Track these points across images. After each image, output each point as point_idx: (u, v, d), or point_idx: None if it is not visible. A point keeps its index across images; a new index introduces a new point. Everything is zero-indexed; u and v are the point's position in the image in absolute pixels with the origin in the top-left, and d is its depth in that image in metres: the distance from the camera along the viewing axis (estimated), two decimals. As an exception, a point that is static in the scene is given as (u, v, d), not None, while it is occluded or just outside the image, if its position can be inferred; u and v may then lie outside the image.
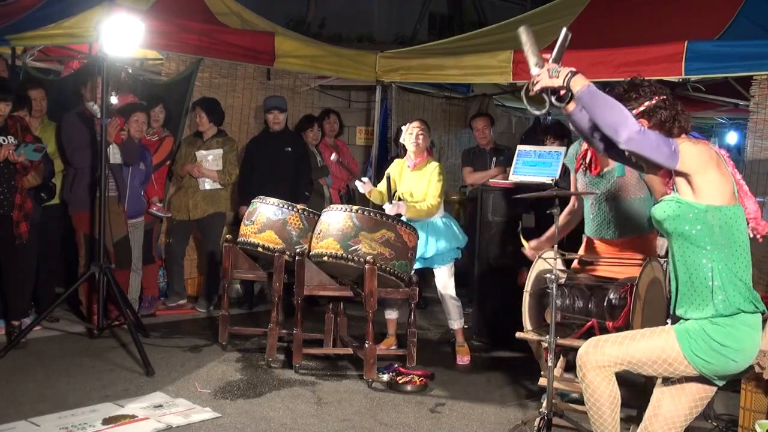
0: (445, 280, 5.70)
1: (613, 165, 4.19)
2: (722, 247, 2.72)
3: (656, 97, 2.83)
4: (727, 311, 2.71)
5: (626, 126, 2.62)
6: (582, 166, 4.36)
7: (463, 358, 5.69)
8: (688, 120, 2.85)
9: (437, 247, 5.58)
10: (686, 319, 2.81)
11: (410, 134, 5.67)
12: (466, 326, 6.04)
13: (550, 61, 2.81)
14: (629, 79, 2.90)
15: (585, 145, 4.26)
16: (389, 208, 5.36)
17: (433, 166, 5.66)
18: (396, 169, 5.81)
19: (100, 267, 5.42)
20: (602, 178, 4.26)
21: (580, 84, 2.70)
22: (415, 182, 5.65)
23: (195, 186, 6.89)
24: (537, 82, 2.79)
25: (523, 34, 2.93)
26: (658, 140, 2.66)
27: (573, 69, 2.74)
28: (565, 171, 6.05)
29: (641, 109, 2.81)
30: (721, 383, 2.88)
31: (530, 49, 2.90)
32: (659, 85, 2.89)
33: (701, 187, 2.68)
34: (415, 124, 5.71)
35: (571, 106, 2.87)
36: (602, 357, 2.86)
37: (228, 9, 7.55)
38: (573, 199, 4.53)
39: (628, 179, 4.19)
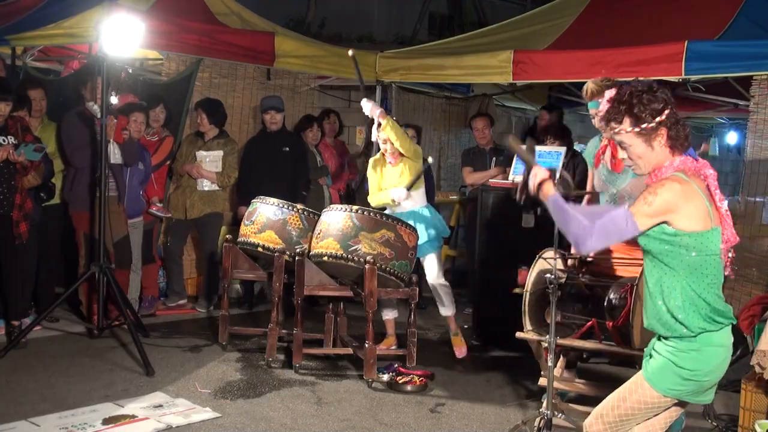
0: (436, 268, 5.74)
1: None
2: (689, 269, 2.68)
3: (671, 107, 2.75)
4: (689, 332, 2.69)
5: (579, 238, 2.64)
6: (602, 162, 4.35)
7: (461, 350, 5.73)
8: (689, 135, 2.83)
9: (428, 234, 5.62)
10: (660, 338, 2.79)
11: (384, 143, 5.64)
12: (465, 326, 6.03)
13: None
14: (647, 84, 2.78)
15: (605, 141, 4.26)
16: (395, 192, 5.56)
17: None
18: (377, 166, 5.80)
19: (100, 267, 5.42)
20: (621, 175, 4.24)
21: (544, 195, 2.79)
22: (398, 177, 5.67)
23: (193, 185, 6.88)
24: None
25: (513, 144, 3.09)
26: (608, 226, 2.64)
27: (543, 178, 2.81)
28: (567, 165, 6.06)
29: (663, 117, 2.71)
30: (700, 401, 2.88)
31: (524, 154, 3.06)
32: (669, 94, 2.80)
33: (673, 221, 2.66)
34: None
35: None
36: (605, 428, 2.89)
37: (228, 9, 7.54)
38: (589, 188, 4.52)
39: (644, 180, 4.17)
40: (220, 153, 6.83)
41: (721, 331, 2.73)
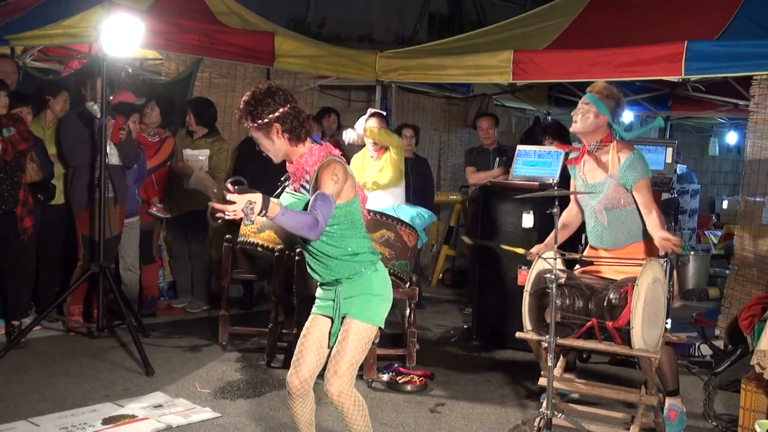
0: None
1: (604, 178, 4.18)
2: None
3: (288, 105, 3.25)
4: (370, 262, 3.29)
5: (311, 228, 3.02)
6: (579, 175, 4.34)
7: None
8: (312, 126, 3.37)
9: None
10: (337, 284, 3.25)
11: (368, 139, 5.80)
12: (465, 326, 6.00)
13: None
14: (266, 86, 3.32)
15: (575, 152, 4.29)
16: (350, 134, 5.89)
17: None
18: (359, 160, 5.89)
19: (100, 267, 5.42)
20: (595, 188, 4.22)
21: (274, 212, 2.98)
22: (379, 171, 5.74)
23: (179, 182, 6.87)
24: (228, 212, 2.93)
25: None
26: (329, 208, 3.10)
27: (261, 200, 2.95)
28: (564, 171, 6.06)
29: (276, 114, 3.23)
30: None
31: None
32: (290, 94, 3.31)
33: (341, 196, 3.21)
34: (372, 122, 5.78)
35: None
36: (348, 381, 3.25)
37: (228, 9, 7.54)
38: (572, 203, 4.52)
39: (617, 191, 4.15)
40: (207, 152, 6.80)
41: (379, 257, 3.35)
